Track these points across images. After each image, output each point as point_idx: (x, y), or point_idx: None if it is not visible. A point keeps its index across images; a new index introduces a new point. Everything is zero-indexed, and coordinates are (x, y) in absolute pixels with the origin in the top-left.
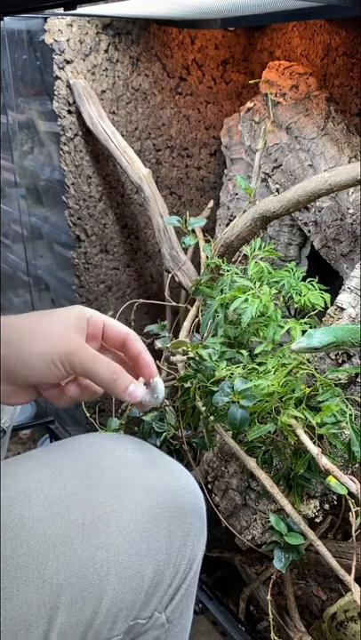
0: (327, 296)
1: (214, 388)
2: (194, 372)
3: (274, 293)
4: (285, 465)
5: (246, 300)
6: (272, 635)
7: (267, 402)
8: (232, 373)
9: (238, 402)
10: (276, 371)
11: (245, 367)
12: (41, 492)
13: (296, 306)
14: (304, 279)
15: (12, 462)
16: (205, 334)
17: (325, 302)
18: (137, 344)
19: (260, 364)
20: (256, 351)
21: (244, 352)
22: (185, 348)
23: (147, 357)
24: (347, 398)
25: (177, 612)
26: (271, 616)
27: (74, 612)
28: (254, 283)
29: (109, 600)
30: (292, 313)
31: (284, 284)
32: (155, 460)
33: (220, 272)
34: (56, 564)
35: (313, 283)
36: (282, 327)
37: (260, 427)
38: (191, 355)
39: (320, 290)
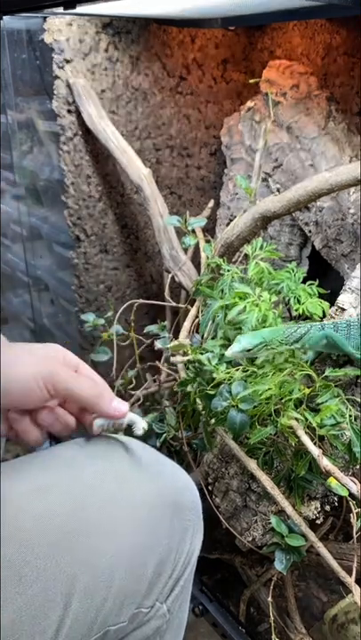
0: (326, 305)
1: (213, 392)
2: (193, 375)
3: (273, 301)
4: (286, 466)
5: (245, 308)
6: (273, 636)
7: (266, 404)
8: (231, 377)
9: (237, 406)
10: (273, 374)
11: (245, 370)
12: (57, 488)
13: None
14: (305, 280)
15: (26, 460)
16: (205, 335)
17: (323, 311)
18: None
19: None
20: None
21: None
22: (185, 349)
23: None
24: (347, 399)
25: (176, 604)
26: (272, 618)
27: (86, 598)
28: (254, 289)
29: (117, 588)
30: (292, 315)
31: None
32: (156, 461)
33: (221, 272)
34: (71, 555)
35: (313, 287)
36: None
37: (261, 429)
38: (190, 357)
39: (319, 294)
